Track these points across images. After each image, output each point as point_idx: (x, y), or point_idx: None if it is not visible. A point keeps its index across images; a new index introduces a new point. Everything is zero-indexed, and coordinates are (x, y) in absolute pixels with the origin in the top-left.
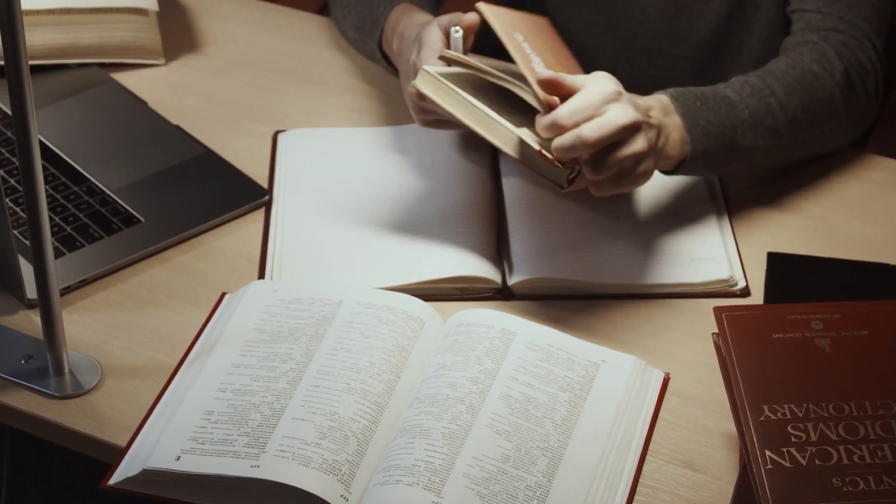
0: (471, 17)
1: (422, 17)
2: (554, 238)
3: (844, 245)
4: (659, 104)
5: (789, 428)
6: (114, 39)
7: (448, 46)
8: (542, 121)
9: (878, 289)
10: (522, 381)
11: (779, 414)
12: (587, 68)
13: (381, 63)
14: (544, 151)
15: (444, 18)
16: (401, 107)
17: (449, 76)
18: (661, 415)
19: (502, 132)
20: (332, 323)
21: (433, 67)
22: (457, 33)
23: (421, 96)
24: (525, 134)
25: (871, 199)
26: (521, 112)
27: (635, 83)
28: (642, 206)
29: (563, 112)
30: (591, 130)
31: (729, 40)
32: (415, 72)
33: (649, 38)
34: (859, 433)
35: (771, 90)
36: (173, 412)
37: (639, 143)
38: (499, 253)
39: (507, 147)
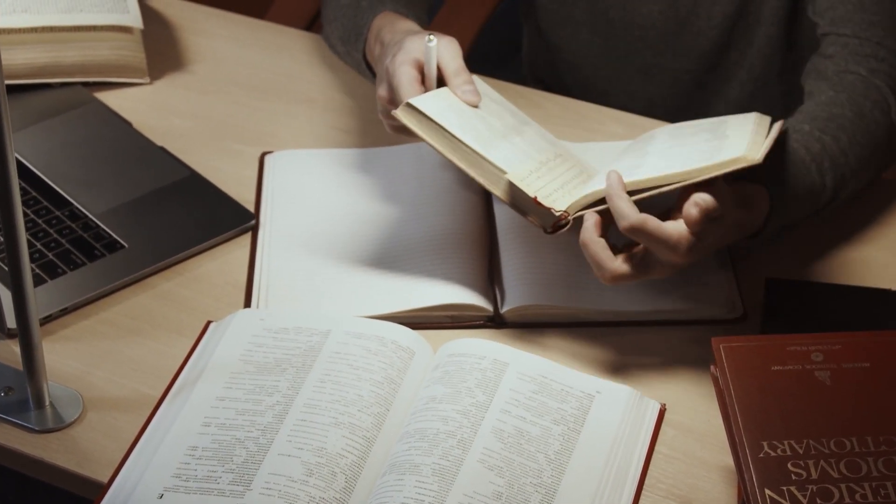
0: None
1: (405, 24)
2: (547, 265)
3: (845, 270)
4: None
5: (789, 465)
6: (97, 58)
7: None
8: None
9: (880, 315)
10: (515, 414)
11: (779, 450)
12: (579, 90)
13: (367, 74)
14: (539, 198)
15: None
16: None
17: (434, 105)
18: (657, 447)
19: (490, 170)
20: (319, 354)
21: (417, 99)
22: (431, 43)
23: (392, 101)
24: (516, 177)
25: (871, 223)
26: (511, 143)
27: (629, 102)
28: None
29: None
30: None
31: (730, 54)
32: (388, 76)
33: (649, 55)
34: (861, 470)
35: (845, 156)
36: (156, 447)
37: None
38: (491, 280)
39: (495, 186)
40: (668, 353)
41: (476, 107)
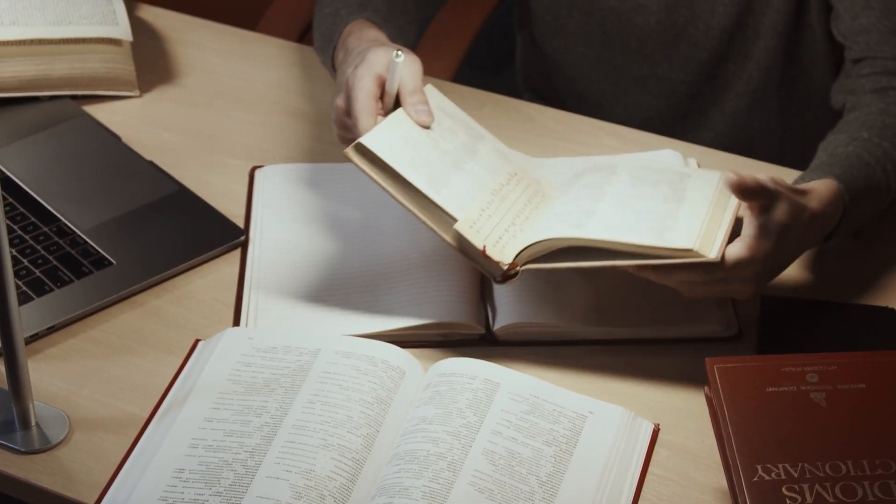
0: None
1: (374, 33)
2: (539, 282)
3: (842, 287)
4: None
5: (784, 489)
6: (86, 71)
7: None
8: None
9: (877, 333)
10: (506, 436)
11: (773, 474)
12: (574, 100)
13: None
14: (488, 251)
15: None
16: None
17: (386, 141)
18: (650, 468)
19: (441, 216)
20: (308, 373)
21: (368, 138)
22: (398, 59)
23: (348, 113)
24: (465, 224)
25: (868, 240)
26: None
27: (624, 113)
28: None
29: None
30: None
31: (727, 65)
32: (347, 87)
33: (645, 65)
34: (857, 495)
35: None
36: (143, 470)
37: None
38: (483, 297)
39: (446, 233)
40: (663, 371)
41: (428, 127)
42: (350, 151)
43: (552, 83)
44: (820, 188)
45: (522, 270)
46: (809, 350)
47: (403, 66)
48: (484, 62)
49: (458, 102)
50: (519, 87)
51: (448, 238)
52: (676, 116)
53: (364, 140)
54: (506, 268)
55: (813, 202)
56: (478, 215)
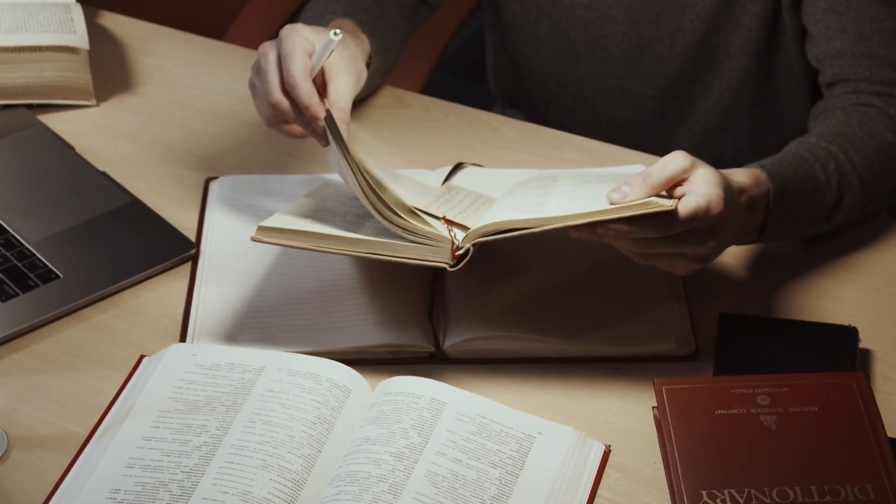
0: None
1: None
2: (491, 299)
3: (804, 304)
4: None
5: None
6: (42, 80)
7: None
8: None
9: (836, 352)
10: (451, 457)
11: (718, 501)
12: (543, 106)
13: None
14: (448, 216)
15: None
16: None
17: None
18: (599, 491)
19: (370, 242)
20: (251, 392)
21: (276, 219)
22: (336, 36)
23: (278, 119)
24: (420, 207)
25: (831, 256)
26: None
27: (594, 122)
28: (586, 261)
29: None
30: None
31: (695, 84)
32: (279, 44)
33: (611, 77)
34: None
35: (852, 164)
36: (78, 490)
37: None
38: (433, 315)
39: (396, 217)
40: (617, 391)
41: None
42: (259, 233)
43: (522, 88)
44: (738, 171)
45: (475, 245)
46: (767, 368)
47: (342, 80)
48: (457, 67)
49: (421, 113)
50: (490, 93)
51: (401, 224)
52: (642, 131)
53: (264, 222)
54: (458, 243)
55: (733, 176)
56: (427, 205)
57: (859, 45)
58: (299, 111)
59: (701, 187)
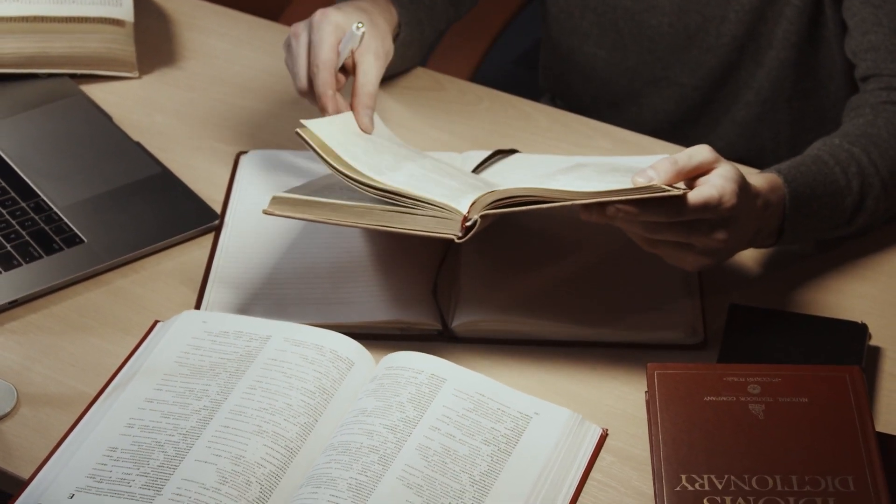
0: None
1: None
2: (503, 279)
3: (814, 300)
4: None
5: (705, 501)
6: (86, 50)
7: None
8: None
9: (842, 347)
10: (444, 432)
11: (696, 485)
12: (589, 99)
13: None
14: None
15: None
16: None
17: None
18: (592, 474)
19: (378, 213)
20: (255, 360)
21: (313, 123)
22: (358, 30)
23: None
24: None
25: (848, 253)
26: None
27: (638, 116)
28: (599, 252)
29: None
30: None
31: (739, 73)
32: (310, 29)
33: (658, 67)
34: None
35: (875, 167)
36: (78, 447)
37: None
38: (444, 293)
39: (385, 221)
40: (620, 376)
41: (369, 133)
42: (271, 206)
43: (568, 82)
44: (755, 175)
45: (481, 216)
46: (771, 360)
47: (369, 63)
48: (515, 56)
49: (456, 97)
50: (539, 87)
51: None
52: (688, 122)
53: (309, 123)
54: (466, 213)
55: (749, 179)
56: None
57: (894, 38)
58: None
59: (717, 180)
